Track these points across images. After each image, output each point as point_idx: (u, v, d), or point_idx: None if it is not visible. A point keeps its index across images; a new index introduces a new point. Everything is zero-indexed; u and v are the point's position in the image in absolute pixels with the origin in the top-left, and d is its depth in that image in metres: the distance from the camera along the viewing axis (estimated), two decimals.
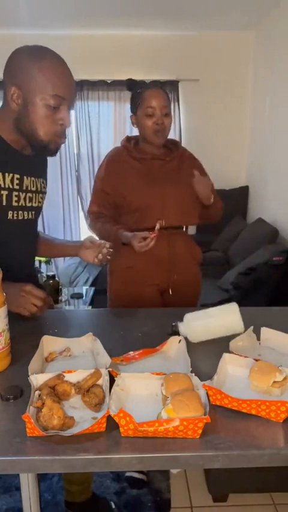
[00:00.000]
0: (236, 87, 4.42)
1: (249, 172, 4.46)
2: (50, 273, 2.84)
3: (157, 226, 1.53)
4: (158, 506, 1.77)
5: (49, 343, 1.08)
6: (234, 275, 3.04)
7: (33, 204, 1.32)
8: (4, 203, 1.21)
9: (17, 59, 1.14)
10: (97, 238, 1.44)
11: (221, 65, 4.36)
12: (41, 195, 1.36)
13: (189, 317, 1.16)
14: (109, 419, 0.78)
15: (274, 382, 0.89)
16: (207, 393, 0.84)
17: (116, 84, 4.39)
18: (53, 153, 1.23)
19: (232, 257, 3.71)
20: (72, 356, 1.06)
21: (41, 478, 1.78)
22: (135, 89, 1.70)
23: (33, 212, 1.33)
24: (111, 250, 1.35)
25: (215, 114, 4.40)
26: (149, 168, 1.72)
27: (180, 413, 0.78)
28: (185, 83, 4.30)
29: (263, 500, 1.80)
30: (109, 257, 1.35)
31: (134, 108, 1.70)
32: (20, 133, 1.19)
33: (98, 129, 4.57)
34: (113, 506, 1.72)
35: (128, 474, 1.87)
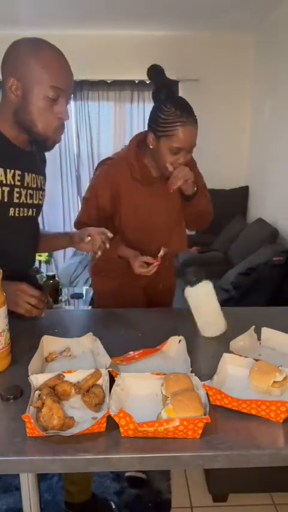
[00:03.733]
0: (236, 88, 4.42)
1: (249, 172, 4.46)
2: (50, 273, 2.85)
3: (161, 253, 1.47)
4: (158, 507, 1.77)
5: (49, 343, 1.08)
6: (234, 275, 3.03)
7: (34, 201, 1.31)
8: (6, 199, 1.21)
9: (15, 51, 1.14)
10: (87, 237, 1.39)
11: (221, 65, 4.36)
12: (41, 192, 1.36)
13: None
14: (109, 419, 0.78)
15: (274, 382, 0.89)
16: (207, 393, 0.84)
17: (116, 84, 4.39)
18: (51, 146, 1.22)
19: (232, 257, 3.71)
20: (72, 356, 1.07)
21: (41, 478, 1.78)
22: (166, 104, 1.39)
23: (34, 209, 1.32)
24: (109, 235, 1.33)
25: (215, 114, 4.40)
26: (151, 192, 1.57)
27: (180, 413, 0.78)
28: (185, 83, 4.29)
29: (263, 500, 1.80)
30: (107, 245, 1.33)
31: (158, 132, 1.41)
32: (19, 127, 1.19)
33: (98, 129, 4.57)
34: (113, 506, 1.72)
35: (127, 474, 1.87)
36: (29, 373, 0.90)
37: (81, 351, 1.08)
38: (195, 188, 1.52)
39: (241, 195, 4.44)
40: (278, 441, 0.78)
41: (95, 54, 4.27)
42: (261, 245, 3.20)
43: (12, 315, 1.03)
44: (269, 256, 2.73)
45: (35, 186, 1.31)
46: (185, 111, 1.38)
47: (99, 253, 1.33)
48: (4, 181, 1.19)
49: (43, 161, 1.40)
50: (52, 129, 1.17)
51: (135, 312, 1.40)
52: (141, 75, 4.76)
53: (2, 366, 0.99)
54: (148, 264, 1.47)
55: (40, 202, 1.35)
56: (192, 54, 4.29)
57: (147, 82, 4.39)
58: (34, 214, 1.33)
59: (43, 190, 1.38)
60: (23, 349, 1.05)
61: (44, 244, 1.48)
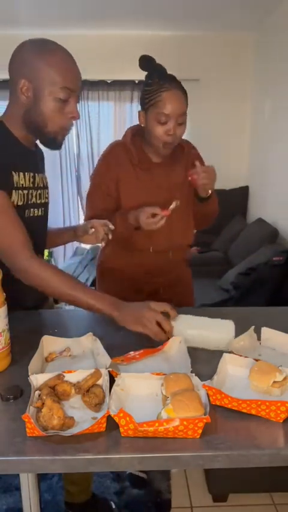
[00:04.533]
0: (236, 87, 4.42)
1: (249, 172, 4.46)
2: None
3: (172, 206, 1.39)
4: (158, 507, 1.76)
5: (49, 343, 1.08)
6: (234, 275, 3.04)
7: (42, 201, 1.33)
8: (24, 202, 1.22)
9: (24, 52, 1.15)
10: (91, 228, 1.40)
11: (221, 65, 4.36)
12: (47, 190, 1.37)
13: (183, 321, 1.14)
14: (109, 419, 0.78)
15: (274, 382, 0.89)
16: (207, 393, 0.84)
17: (116, 84, 4.39)
18: (60, 146, 1.24)
19: (232, 257, 3.71)
20: (72, 356, 1.06)
21: (41, 478, 1.78)
22: (151, 78, 1.44)
23: (42, 209, 1.33)
24: (111, 227, 1.35)
25: (215, 114, 4.40)
26: (152, 178, 1.53)
27: (180, 413, 0.78)
28: (185, 83, 4.26)
29: (263, 500, 1.80)
30: (110, 236, 1.35)
31: (145, 105, 1.44)
32: (28, 128, 1.20)
33: (98, 129, 4.57)
34: (113, 507, 1.72)
35: (129, 471, 1.87)
36: (29, 373, 0.90)
37: (81, 351, 1.08)
38: (210, 192, 1.51)
39: (241, 195, 4.44)
40: (278, 441, 0.78)
41: (95, 54, 4.27)
42: (261, 245, 3.21)
43: (12, 315, 1.03)
44: (269, 256, 2.73)
45: (42, 185, 1.32)
46: (168, 79, 1.41)
47: (103, 243, 1.36)
48: (24, 185, 1.21)
49: (42, 159, 1.41)
50: (62, 129, 1.19)
51: None
52: (141, 75, 4.75)
53: (2, 366, 0.99)
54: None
55: (47, 200, 1.36)
56: (192, 54, 4.28)
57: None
58: (43, 214, 1.34)
59: (47, 188, 1.39)
60: (23, 349, 1.05)
61: (49, 239, 1.48)
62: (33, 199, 1.27)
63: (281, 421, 0.81)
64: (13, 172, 1.17)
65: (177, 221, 1.54)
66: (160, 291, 1.64)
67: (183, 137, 1.54)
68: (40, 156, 1.38)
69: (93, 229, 1.37)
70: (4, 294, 0.98)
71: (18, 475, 1.46)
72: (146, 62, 1.48)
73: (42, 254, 1.45)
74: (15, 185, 1.18)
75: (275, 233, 3.41)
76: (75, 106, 1.18)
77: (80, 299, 1.13)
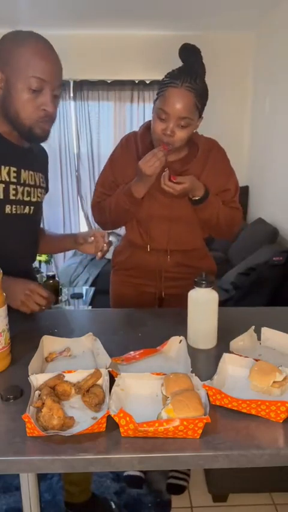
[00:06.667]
0: (236, 87, 4.42)
1: (249, 172, 4.46)
2: (50, 273, 2.84)
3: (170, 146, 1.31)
4: (158, 507, 1.76)
5: (49, 343, 1.08)
6: (234, 275, 3.03)
7: (32, 199, 1.30)
8: (1, 196, 1.20)
9: (1, 43, 1.14)
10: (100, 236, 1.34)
11: (221, 64, 4.36)
12: (39, 189, 1.34)
13: None
14: (109, 419, 0.78)
15: (274, 382, 0.89)
16: (207, 393, 0.84)
17: (116, 84, 4.39)
18: (40, 139, 1.21)
19: (232, 257, 3.71)
20: (72, 356, 1.06)
21: (41, 478, 1.78)
22: (173, 70, 1.31)
23: (31, 207, 1.31)
24: (111, 241, 1.32)
25: (215, 114, 4.39)
26: (157, 177, 1.38)
27: (180, 414, 0.78)
28: None
29: (263, 500, 1.80)
30: (108, 249, 1.31)
31: (157, 95, 1.36)
32: (7, 121, 1.18)
33: (98, 129, 4.57)
34: (113, 507, 1.72)
35: (125, 473, 1.87)
36: (29, 373, 0.90)
37: (81, 351, 1.08)
38: (200, 196, 1.38)
39: (241, 195, 4.42)
40: (278, 441, 0.78)
41: (95, 54, 4.27)
42: (261, 245, 3.20)
43: (12, 314, 1.03)
44: (269, 256, 2.73)
45: (32, 183, 1.30)
46: (185, 76, 1.27)
47: (100, 254, 1.31)
48: (0, 178, 1.19)
49: (44, 159, 1.39)
50: (35, 121, 1.15)
51: (135, 312, 1.40)
52: (141, 75, 4.77)
53: (2, 366, 0.99)
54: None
55: (39, 199, 1.34)
56: None
57: (147, 82, 4.39)
58: (32, 212, 1.32)
59: (42, 188, 1.36)
60: (23, 349, 1.05)
61: (49, 245, 1.48)
62: (19, 195, 1.25)
63: (281, 421, 0.81)
64: None
65: (178, 224, 1.48)
66: (167, 298, 1.60)
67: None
68: (40, 155, 1.36)
69: (92, 238, 1.33)
70: (4, 293, 0.98)
71: (18, 475, 1.46)
72: (185, 51, 1.34)
73: (33, 254, 1.44)
74: None
75: (275, 233, 3.41)
76: (48, 98, 1.13)
77: None
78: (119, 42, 4.25)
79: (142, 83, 4.35)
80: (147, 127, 1.48)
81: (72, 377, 0.92)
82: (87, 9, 3.60)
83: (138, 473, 1.86)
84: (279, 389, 0.89)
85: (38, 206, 1.35)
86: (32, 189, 1.30)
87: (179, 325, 1.16)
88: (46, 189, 1.42)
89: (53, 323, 1.24)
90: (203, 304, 1.11)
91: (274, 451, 0.76)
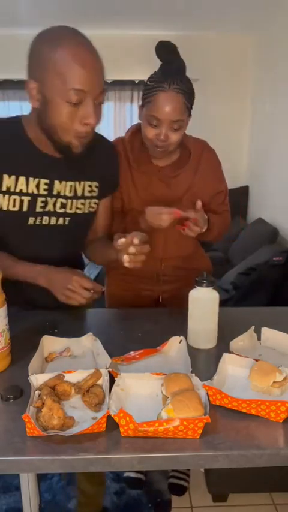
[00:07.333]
0: (236, 88, 4.42)
1: (249, 172, 4.46)
2: None
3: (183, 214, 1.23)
4: (158, 507, 1.76)
5: (49, 343, 1.08)
6: (234, 275, 3.03)
7: (68, 210, 1.20)
8: (25, 209, 1.14)
9: (34, 47, 1.00)
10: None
11: (221, 65, 4.36)
12: (82, 200, 1.22)
13: None
14: (109, 419, 0.78)
15: (274, 382, 0.89)
16: (207, 393, 0.84)
17: (116, 84, 4.38)
18: (75, 154, 1.09)
19: (232, 257, 3.71)
20: (72, 356, 1.06)
21: (41, 478, 1.78)
22: (158, 71, 1.28)
23: (67, 218, 1.21)
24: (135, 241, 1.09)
25: (215, 114, 4.40)
26: (148, 184, 1.39)
27: (180, 414, 0.78)
28: None
29: (263, 500, 1.80)
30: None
31: (143, 100, 1.30)
32: (44, 133, 1.08)
33: (98, 129, 4.55)
34: None
35: (125, 475, 1.87)
36: (29, 373, 0.90)
37: (81, 351, 1.08)
38: (205, 227, 1.33)
39: (241, 195, 4.44)
40: (278, 441, 0.78)
41: None
42: (261, 245, 3.20)
43: (11, 314, 1.03)
44: (269, 256, 2.73)
45: (71, 194, 1.20)
46: (170, 78, 1.23)
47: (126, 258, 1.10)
48: (24, 191, 1.13)
49: (93, 165, 1.22)
50: (76, 137, 1.04)
51: (135, 311, 1.40)
52: (141, 75, 4.76)
53: (2, 366, 0.99)
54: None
55: (78, 211, 1.23)
56: (192, 54, 4.25)
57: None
58: (68, 223, 1.22)
59: (90, 198, 1.24)
60: (23, 349, 1.05)
61: (95, 255, 1.38)
62: (49, 207, 1.17)
63: (281, 421, 0.81)
64: (5, 176, 1.11)
65: (173, 232, 1.35)
66: (163, 300, 1.56)
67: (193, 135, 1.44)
68: (88, 163, 1.19)
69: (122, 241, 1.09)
70: (4, 294, 0.98)
71: (18, 475, 1.46)
72: (163, 50, 1.30)
73: (76, 264, 1.34)
74: (4, 189, 1.12)
75: (275, 233, 3.41)
76: (90, 109, 1.00)
77: (6, 268, 1.10)
78: (119, 42, 4.25)
79: (142, 83, 4.34)
80: (134, 132, 1.42)
81: (72, 377, 0.92)
82: (87, 9, 3.61)
83: (137, 475, 1.86)
84: (279, 389, 0.89)
85: (77, 217, 1.24)
86: (69, 200, 1.20)
87: (179, 325, 1.16)
88: (106, 193, 1.30)
89: (53, 323, 1.24)
90: (203, 303, 1.11)
91: (274, 451, 0.76)
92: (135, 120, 1.42)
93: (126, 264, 1.09)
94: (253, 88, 4.33)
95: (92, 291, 1.12)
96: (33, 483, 1.37)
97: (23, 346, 1.06)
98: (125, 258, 1.07)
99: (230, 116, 4.48)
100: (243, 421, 0.82)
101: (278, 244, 3.30)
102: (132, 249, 1.05)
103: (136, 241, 1.05)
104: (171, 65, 1.28)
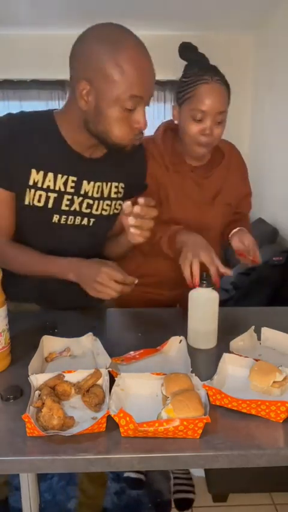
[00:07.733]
0: (236, 88, 4.36)
1: (249, 172, 4.45)
2: None
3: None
4: (158, 507, 1.76)
5: (49, 343, 1.08)
6: (234, 275, 3.03)
7: (94, 211, 1.19)
8: (50, 205, 1.13)
9: (87, 46, 0.96)
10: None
11: (221, 65, 4.33)
12: (108, 201, 1.21)
13: None
14: (109, 419, 0.78)
15: (274, 382, 0.89)
16: (207, 393, 0.84)
17: None
18: (128, 152, 1.09)
19: (232, 257, 3.70)
20: (72, 356, 1.06)
21: (41, 478, 1.78)
22: (190, 68, 1.27)
23: (92, 219, 1.20)
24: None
25: None
26: (182, 185, 1.36)
27: (180, 414, 0.78)
28: None
29: (263, 500, 1.80)
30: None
31: (179, 98, 1.27)
32: (90, 135, 1.06)
33: None
34: None
35: (125, 475, 1.87)
36: (29, 373, 0.90)
37: (81, 351, 1.08)
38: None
39: None
40: (278, 441, 0.78)
41: None
42: (261, 245, 3.19)
43: (12, 314, 1.03)
44: (269, 256, 2.73)
45: (98, 195, 1.18)
46: (210, 71, 1.24)
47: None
48: (52, 187, 1.11)
49: (121, 166, 1.20)
50: (129, 139, 1.04)
51: (135, 311, 1.40)
52: None
53: (2, 366, 0.99)
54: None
55: (103, 213, 1.21)
56: None
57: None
58: (92, 224, 1.21)
59: (111, 199, 1.22)
60: (23, 349, 1.05)
61: (109, 250, 1.33)
62: (75, 206, 1.16)
63: (281, 421, 0.81)
64: (33, 170, 1.09)
65: (206, 231, 1.35)
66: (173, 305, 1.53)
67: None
68: (119, 164, 1.18)
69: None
70: (4, 294, 0.98)
71: (18, 475, 1.46)
72: (186, 50, 1.31)
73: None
74: (31, 183, 1.09)
75: (275, 233, 3.41)
76: (142, 115, 1.00)
77: (35, 264, 1.14)
78: None
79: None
80: (164, 131, 1.39)
81: (72, 377, 0.92)
82: (88, 9, 3.61)
83: (137, 476, 1.86)
84: (279, 389, 0.89)
85: (102, 219, 1.22)
86: (96, 201, 1.19)
87: (179, 325, 1.16)
88: (132, 194, 1.23)
89: (53, 323, 1.24)
90: (203, 304, 1.11)
91: (274, 451, 0.76)
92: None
93: (134, 235, 1.02)
94: (253, 88, 4.33)
95: (121, 286, 1.06)
96: (33, 483, 1.37)
97: (23, 346, 1.06)
98: (132, 229, 1.02)
99: (229, 115, 4.43)
100: (243, 421, 0.82)
101: (278, 244, 3.30)
102: (137, 208, 0.99)
103: (141, 200, 0.99)
104: (202, 61, 1.29)
